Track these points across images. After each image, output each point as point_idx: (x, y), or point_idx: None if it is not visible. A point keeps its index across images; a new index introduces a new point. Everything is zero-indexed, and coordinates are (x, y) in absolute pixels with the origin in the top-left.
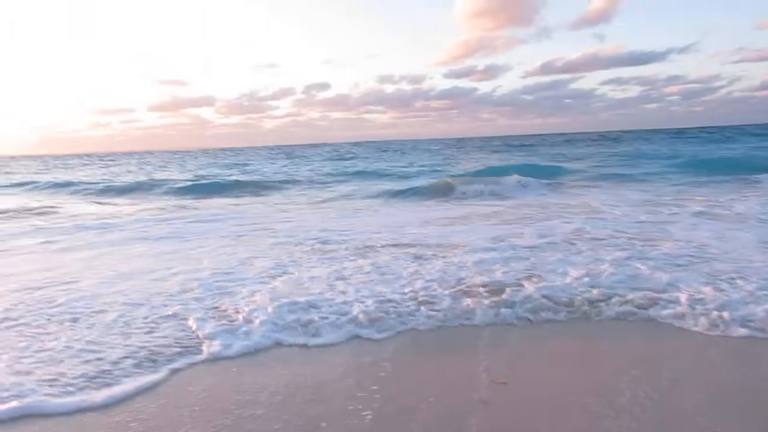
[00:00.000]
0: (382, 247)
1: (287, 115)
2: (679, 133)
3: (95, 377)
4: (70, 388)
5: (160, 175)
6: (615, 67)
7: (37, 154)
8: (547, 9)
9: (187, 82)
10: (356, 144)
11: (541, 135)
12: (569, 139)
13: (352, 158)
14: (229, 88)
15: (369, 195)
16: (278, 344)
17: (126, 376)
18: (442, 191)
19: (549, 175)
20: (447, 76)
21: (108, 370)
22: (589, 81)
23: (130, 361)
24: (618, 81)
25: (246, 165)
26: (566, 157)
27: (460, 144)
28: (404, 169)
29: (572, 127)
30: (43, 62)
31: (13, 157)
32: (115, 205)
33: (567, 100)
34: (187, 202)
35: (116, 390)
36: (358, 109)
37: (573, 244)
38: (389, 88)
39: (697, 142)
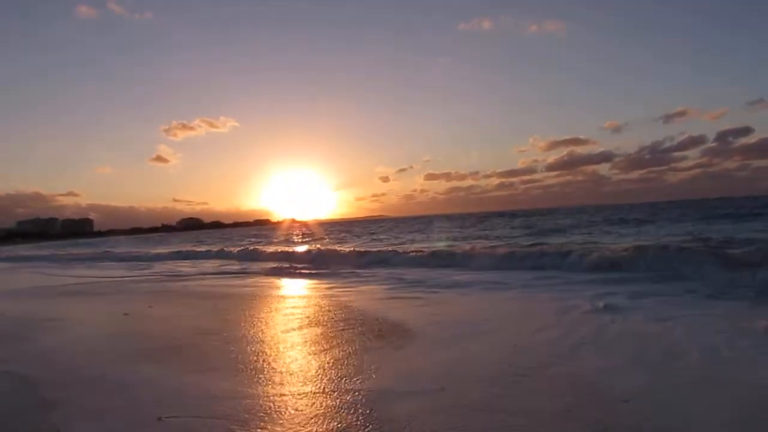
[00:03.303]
0: None
1: (696, 166)
2: None
3: None
4: None
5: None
6: None
7: (446, 213)
8: None
9: (585, 139)
10: None
11: None
12: None
13: None
14: (630, 142)
15: None
16: None
17: None
18: None
19: None
20: None
21: None
22: None
23: None
24: None
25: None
26: None
27: None
28: None
29: None
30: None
31: (438, 216)
32: None
33: None
34: None
35: None
36: None
37: None
38: None
39: None
